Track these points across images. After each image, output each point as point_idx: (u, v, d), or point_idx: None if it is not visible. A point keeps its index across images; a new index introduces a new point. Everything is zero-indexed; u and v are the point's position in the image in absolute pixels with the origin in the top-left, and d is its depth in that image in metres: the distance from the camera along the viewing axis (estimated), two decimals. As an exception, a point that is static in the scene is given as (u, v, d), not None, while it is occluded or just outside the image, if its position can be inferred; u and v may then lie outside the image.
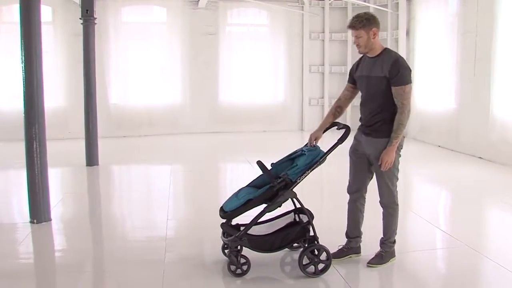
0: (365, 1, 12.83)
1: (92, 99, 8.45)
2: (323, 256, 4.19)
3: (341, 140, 4.24)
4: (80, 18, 8.28)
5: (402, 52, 12.20)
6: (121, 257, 4.69)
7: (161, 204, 6.53)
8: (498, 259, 4.57)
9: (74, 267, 4.42)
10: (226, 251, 4.46)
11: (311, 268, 4.16)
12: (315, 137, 4.40)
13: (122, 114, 12.36)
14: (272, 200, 4.14)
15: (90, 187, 7.86)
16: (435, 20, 11.11)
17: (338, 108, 4.48)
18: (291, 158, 4.44)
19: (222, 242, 4.46)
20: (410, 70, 4.14)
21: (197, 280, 4.15)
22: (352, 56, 13.56)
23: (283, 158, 4.48)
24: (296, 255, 4.55)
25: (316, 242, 4.23)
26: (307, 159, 4.23)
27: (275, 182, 4.10)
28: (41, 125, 5.43)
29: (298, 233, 4.29)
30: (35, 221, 5.49)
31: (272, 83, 13.68)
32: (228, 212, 4.19)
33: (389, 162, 4.17)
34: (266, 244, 4.23)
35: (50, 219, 5.59)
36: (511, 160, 8.58)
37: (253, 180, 4.48)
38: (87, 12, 8.18)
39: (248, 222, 4.18)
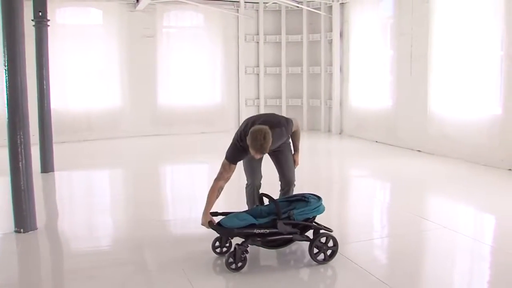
0: (298, 4, 13.34)
1: (46, 104, 8.18)
2: (330, 243, 4.47)
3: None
4: (32, 20, 7.96)
5: (335, 53, 12.90)
6: (129, 260, 4.70)
7: (136, 206, 6.60)
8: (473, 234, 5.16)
9: (83, 273, 4.34)
10: (217, 249, 4.60)
11: (321, 256, 4.43)
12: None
13: (60, 119, 11.88)
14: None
15: (57, 194, 7.63)
16: (369, 22, 11.83)
17: (221, 189, 4.60)
18: (290, 201, 4.74)
19: (210, 239, 4.58)
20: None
21: (222, 274, 4.30)
22: (286, 57, 14.07)
23: (281, 198, 4.85)
24: (293, 246, 4.82)
25: (320, 231, 4.51)
26: (314, 204, 4.53)
27: (281, 216, 4.34)
28: (26, 130, 5.26)
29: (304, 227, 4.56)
30: (21, 230, 5.29)
31: (209, 85, 13.87)
32: (228, 229, 4.31)
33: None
34: (277, 240, 4.43)
35: (36, 228, 5.41)
36: (449, 152, 9.42)
37: (251, 209, 4.76)
38: (40, 14, 7.89)
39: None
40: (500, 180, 7.86)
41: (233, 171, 4.56)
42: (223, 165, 4.55)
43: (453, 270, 4.54)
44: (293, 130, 4.86)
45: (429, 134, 9.92)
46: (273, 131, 4.46)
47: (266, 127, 4.36)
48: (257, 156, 4.44)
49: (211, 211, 4.46)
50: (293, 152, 5.06)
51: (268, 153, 4.87)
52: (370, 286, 4.03)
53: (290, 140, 5.01)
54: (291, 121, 4.82)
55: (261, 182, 5.10)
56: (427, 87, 9.85)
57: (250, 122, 4.66)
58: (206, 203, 4.47)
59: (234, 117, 14.17)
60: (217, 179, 4.53)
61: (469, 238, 5.22)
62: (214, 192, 4.50)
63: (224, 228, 4.31)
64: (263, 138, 4.28)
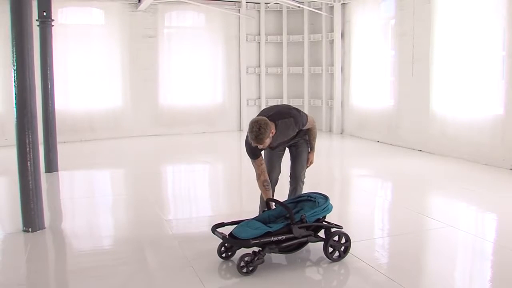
0: (299, 4, 13.37)
1: (51, 104, 8.20)
2: (343, 239, 4.51)
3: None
4: (36, 20, 7.97)
5: (337, 53, 12.94)
6: (137, 258, 4.74)
7: (140, 205, 6.64)
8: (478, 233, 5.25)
9: (93, 272, 4.36)
10: (223, 254, 4.50)
11: (336, 254, 4.48)
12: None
13: (62, 119, 11.87)
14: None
15: (63, 193, 7.64)
16: (370, 23, 11.85)
17: (266, 182, 4.78)
18: (296, 202, 4.77)
19: (216, 237, 4.49)
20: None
21: (229, 272, 4.33)
22: (287, 57, 14.12)
23: (288, 200, 4.86)
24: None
25: (332, 230, 4.53)
26: (323, 204, 4.53)
27: (294, 221, 4.31)
28: (35, 130, 5.28)
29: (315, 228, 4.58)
30: (30, 229, 5.31)
31: (210, 85, 13.90)
32: (244, 241, 4.19)
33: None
34: (292, 245, 4.44)
35: (44, 227, 5.43)
36: (451, 151, 9.47)
37: (258, 216, 4.71)
38: (44, 14, 7.91)
39: None
40: (501, 179, 7.91)
41: (263, 163, 4.75)
42: (252, 163, 4.79)
43: (458, 268, 4.62)
44: (308, 127, 4.95)
45: (431, 133, 9.97)
46: (279, 122, 4.60)
47: (263, 118, 4.45)
48: (260, 147, 4.50)
49: (216, 223, 4.47)
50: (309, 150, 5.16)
51: (287, 147, 5.07)
52: (379, 283, 4.08)
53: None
54: (306, 115, 4.90)
55: (279, 177, 5.20)
56: (428, 87, 9.88)
57: (261, 113, 4.80)
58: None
59: (235, 117, 14.22)
60: (257, 178, 4.80)
61: (474, 236, 5.30)
62: (264, 189, 4.77)
63: (240, 240, 4.21)
64: (258, 129, 4.37)
